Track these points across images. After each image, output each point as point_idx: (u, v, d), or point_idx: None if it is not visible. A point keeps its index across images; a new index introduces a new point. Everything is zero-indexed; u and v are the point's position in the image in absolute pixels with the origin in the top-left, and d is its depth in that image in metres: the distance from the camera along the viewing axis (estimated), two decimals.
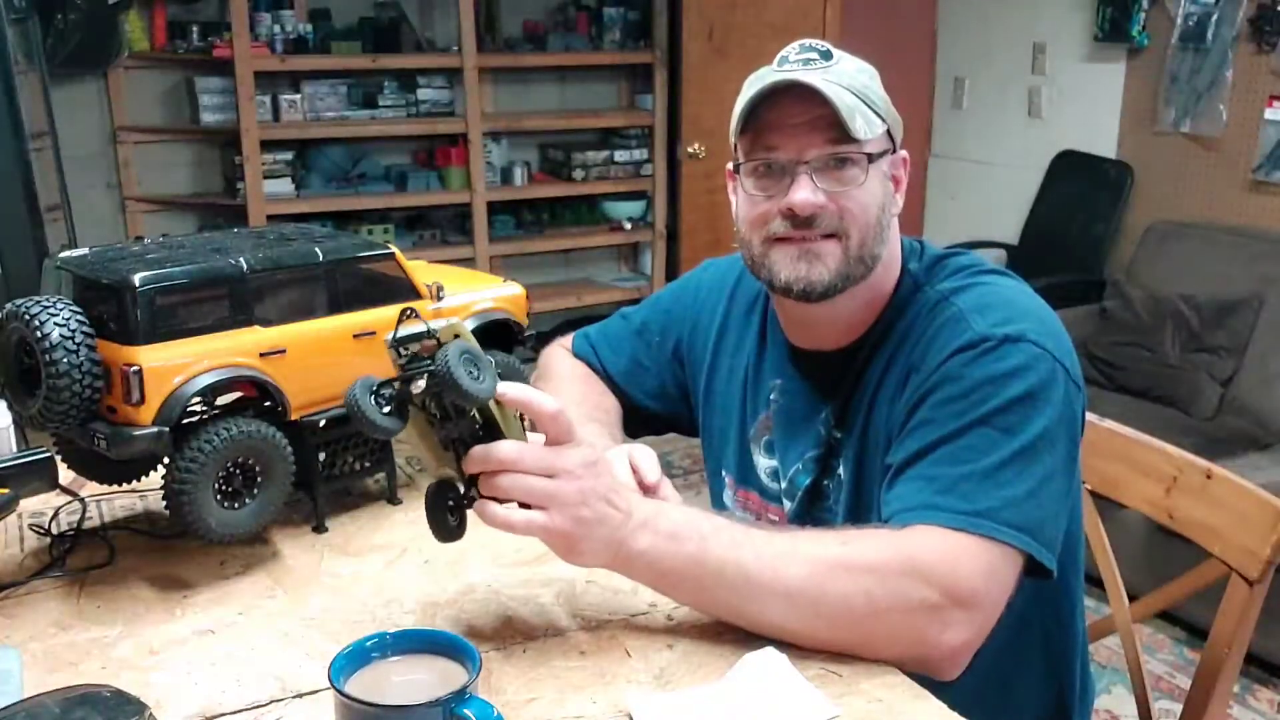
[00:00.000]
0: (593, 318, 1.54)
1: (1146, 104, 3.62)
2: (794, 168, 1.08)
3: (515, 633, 0.99)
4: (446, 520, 0.95)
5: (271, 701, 0.89)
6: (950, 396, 1.03)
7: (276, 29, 3.94)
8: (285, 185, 4.03)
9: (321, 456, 1.15)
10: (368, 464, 1.20)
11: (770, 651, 0.93)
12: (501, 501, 0.91)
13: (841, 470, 1.18)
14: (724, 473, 1.35)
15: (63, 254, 1.07)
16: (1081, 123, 3.86)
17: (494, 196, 4.37)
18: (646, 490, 1.10)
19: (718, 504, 1.38)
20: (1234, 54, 3.30)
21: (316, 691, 0.90)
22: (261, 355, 1.05)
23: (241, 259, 1.05)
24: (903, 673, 0.94)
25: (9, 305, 0.99)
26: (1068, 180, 3.89)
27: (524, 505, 0.91)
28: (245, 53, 3.79)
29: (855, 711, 0.88)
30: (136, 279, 0.98)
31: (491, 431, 0.92)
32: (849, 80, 1.08)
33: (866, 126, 1.07)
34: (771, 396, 1.26)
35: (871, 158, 1.08)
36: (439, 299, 1.19)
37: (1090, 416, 1.26)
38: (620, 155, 4.56)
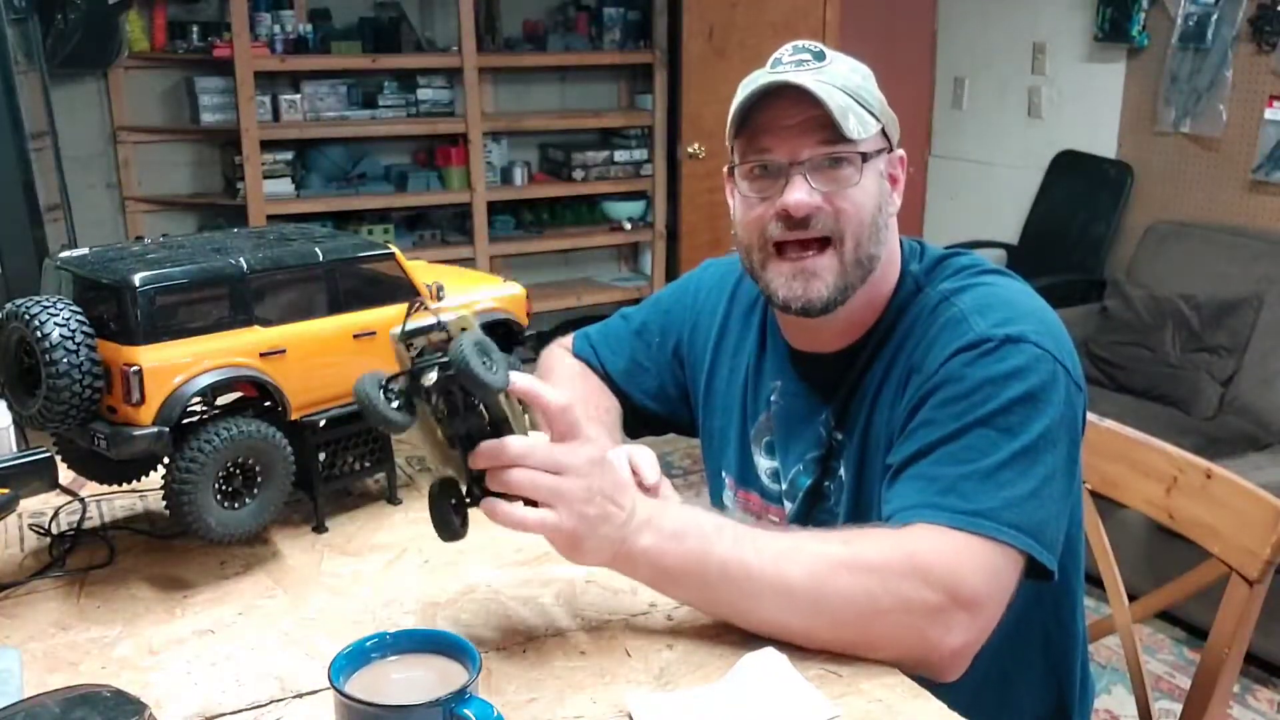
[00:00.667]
0: (593, 318, 1.54)
1: (1146, 104, 3.62)
2: (788, 169, 1.08)
3: (515, 633, 0.99)
4: (450, 519, 0.94)
5: (271, 701, 0.89)
6: (951, 397, 1.03)
7: (276, 29, 3.94)
8: (285, 185, 4.03)
9: (321, 456, 1.15)
10: (368, 464, 1.20)
11: (770, 652, 0.93)
12: (507, 499, 0.91)
13: (843, 471, 1.18)
14: (724, 473, 1.35)
15: (63, 254, 1.07)
16: (1081, 123, 3.86)
17: (494, 196, 4.37)
18: (645, 491, 1.10)
19: (717, 505, 1.38)
20: (1234, 54, 3.30)
21: (316, 691, 0.90)
22: (261, 355, 1.05)
23: (241, 259, 1.05)
24: (902, 673, 0.94)
25: (9, 305, 0.99)
26: (1068, 180, 3.89)
27: (528, 503, 0.91)
28: (245, 53, 3.79)
29: (855, 711, 0.88)
30: (136, 279, 0.98)
31: (499, 428, 0.91)
32: (842, 80, 1.08)
33: (860, 126, 1.06)
34: (772, 398, 1.26)
35: (866, 157, 1.08)
36: (439, 299, 1.19)
37: (1090, 416, 1.25)
38: (620, 155, 4.56)
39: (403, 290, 1.17)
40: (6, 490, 1.05)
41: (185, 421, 1.03)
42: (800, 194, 1.07)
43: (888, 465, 1.07)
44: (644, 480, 1.11)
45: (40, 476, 1.07)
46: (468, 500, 0.93)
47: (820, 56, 1.10)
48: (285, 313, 1.08)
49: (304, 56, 3.99)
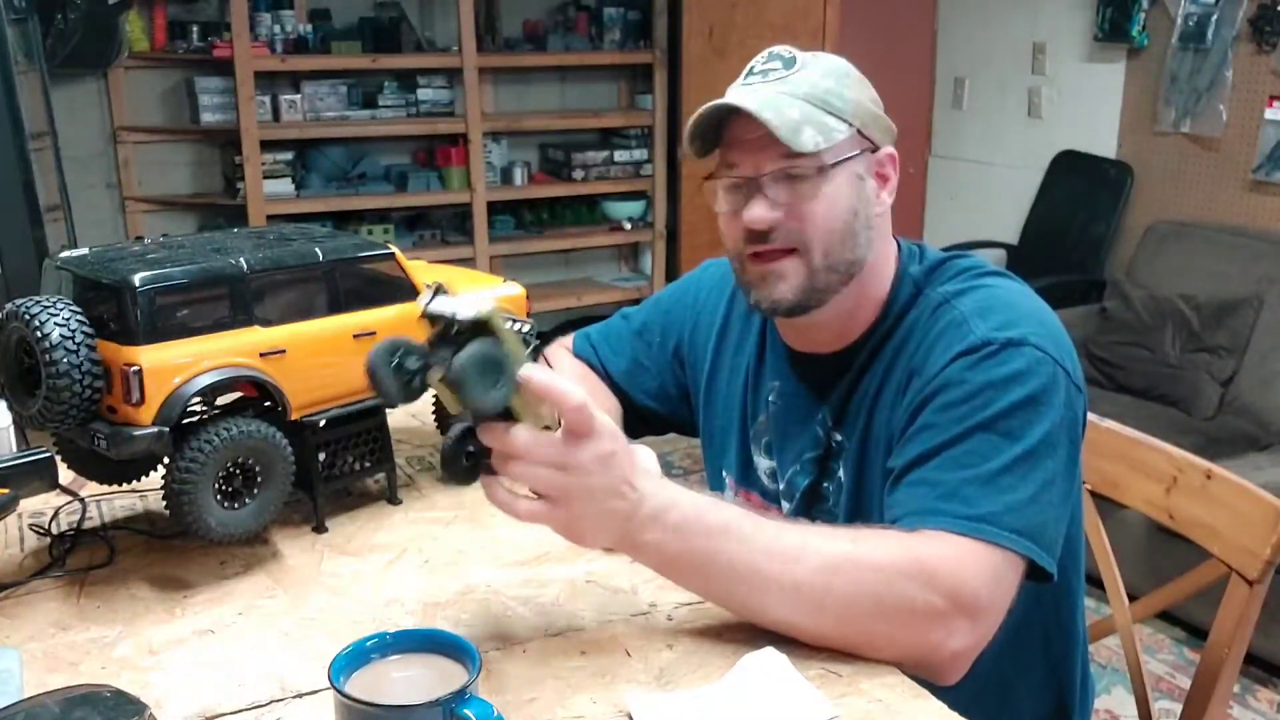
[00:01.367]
0: (593, 318, 1.54)
1: (1146, 104, 3.62)
2: (752, 183, 1.09)
3: (515, 633, 0.99)
4: (460, 462, 0.92)
5: (271, 701, 0.89)
6: (952, 401, 1.03)
7: (276, 29, 3.94)
8: (285, 185, 4.03)
9: (321, 456, 1.15)
10: (368, 464, 1.20)
11: (770, 652, 0.93)
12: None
13: (842, 473, 1.18)
14: (725, 473, 1.35)
15: (63, 254, 1.07)
16: (1081, 123, 3.86)
17: (494, 196, 4.37)
18: None
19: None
20: (1234, 54, 3.30)
21: (316, 691, 0.90)
22: (261, 355, 1.05)
23: (241, 259, 1.05)
24: (904, 673, 0.93)
25: (9, 305, 0.99)
26: (1068, 180, 3.89)
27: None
28: (245, 53, 3.79)
29: (855, 711, 0.88)
30: (136, 279, 0.98)
31: (509, 414, 0.90)
32: (808, 88, 1.08)
33: (819, 136, 1.06)
34: (770, 398, 1.26)
35: (827, 167, 1.08)
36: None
37: (1090, 416, 1.25)
38: (620, 155, 4.56)
39: (403, 290, 1.17)
40: (6, 490, 1.05)
41: (185, 421, 1.03)
42: (758, 210, 1.09)
43: (888, 469, 1.07)
44: None
45: (40, 476, 1.07)
46: (479, 459, 0.92)
47: (790, 64, 1.10)
48: (285, 313, 1.08)
49: (304, 56, 3.99)
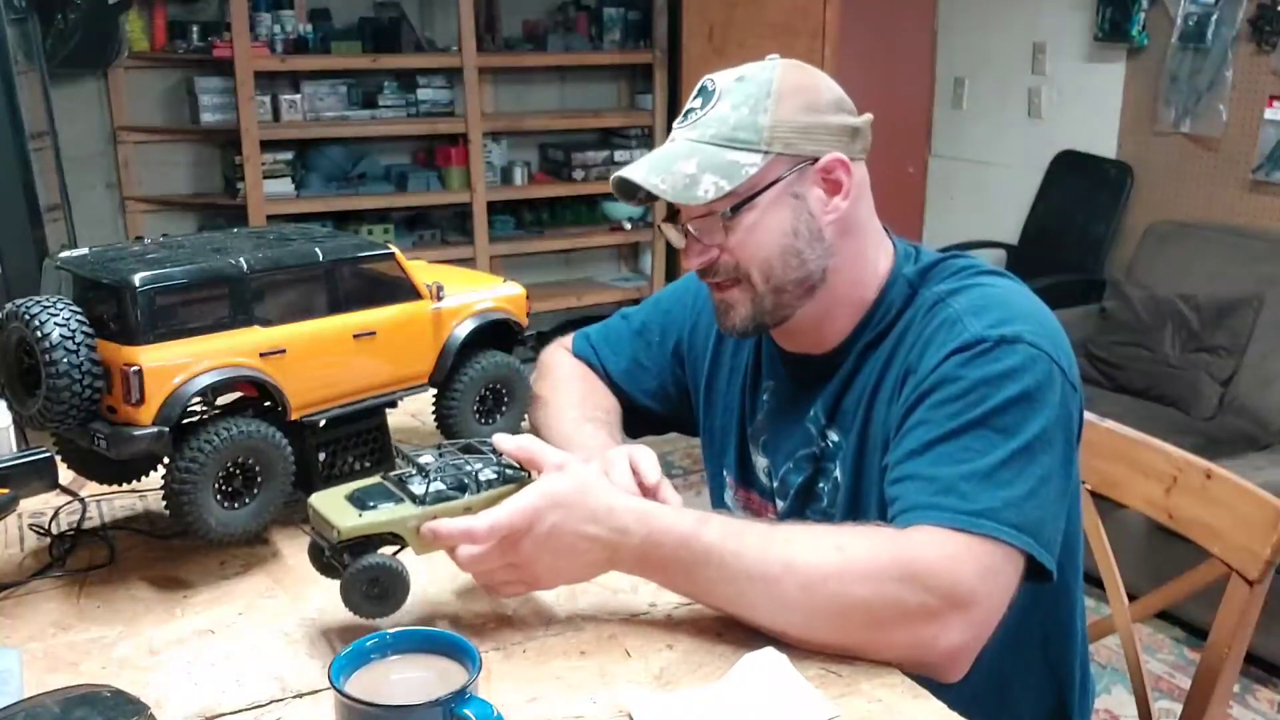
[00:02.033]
0: (593, 318, 1.54)
1: (1146, 104, 3.62)
2: (684, 227, 1.14)
3: (515, 633, 0.99)
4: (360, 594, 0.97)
5: (271, 701, 0.89)
6: (948, 397, 1.03)
7: (276, 29, 3.94)
8: (285, 185, 4.03)
9: (321, 456, 1.15)
10: (368, 464, 1.20)
11: (770, 652, 0.93)
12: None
13: (838, 473, 1.18)
14: (725, 472, 1.35)
15: (63, 254, 1.06)
16: (1081, 123, 3.86)
17: (494, 196, 4.37)
18: (646, 492, 1.10)
19: (718, 504, 1.38)
20: (1234, 54, 3.30)
21: (316, 691, 0.90)
22: (261, 355, 1.05)
23: (241, 259, 1.05)
24: (904, 673, 0.93)
25: (9, 305, 0.99)
26: (1068, 180, 3.89)
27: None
28: (245, 53, 3.79)
29: (855, 711, 0.88)
30: (136, 279, 0.98)
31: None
32: (715, 128, 1.09)
33: (721, 180, 1.07)
34: (764, 398, 1.27)
35: (742, 204, 1.09)
36: (439, 299, 1.19)
37: (1090, 416, 1.26)
38: (620, 155, 4.56)
39: (403, 290, 1.17)
40: (6, 490, 1.05)
41: (185, 421, 1.03)
42: (691, 257, 1.14)
43: (884, 465, 1.07)
44: (645, 481, 1.11)
45: (40, 476, 1.07)
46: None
47: (709, 98, 1.12)
48: (285, 313, 1.08)
49: (304, 56, 3.99)
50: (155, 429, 0.98)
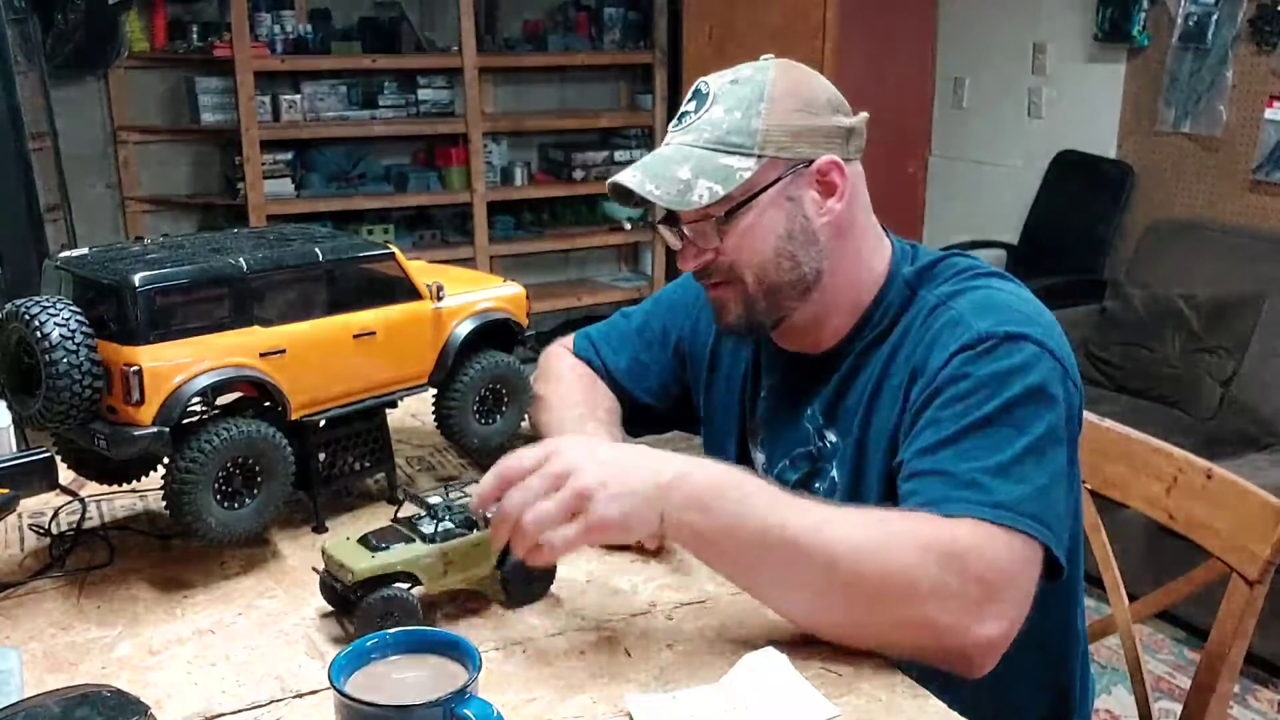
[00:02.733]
0: (593, 318, 1.55)
1: (1146, 104, 3.62)
2: (679, 229, 1.14)
3: (515, 633, 0.99)
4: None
5: (271, 701, 0.89)
6: (956, 395, 1.03)
7: (276, 29, 3.94)
8: (285, 185, 4.03)
9: (321, 456, 1.15)
10: (368, 464, 1.20)
11: (770, 651, 0.93)
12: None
13: (835, 474, 1.18)
14: None
15: (63, 254, 1.06)
16: (1081, 123, 3.86)
17: (494, 196, 4.37)
18: None
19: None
20: (1234, 54, 3.30)
21: (316, 691, 0.90)
22: (261, 355, 1.05)
23: (241, 259, 1.05)
24: (912, 670, 0.92)
25: (9, 305, 0.99)
26: (1068, 180, 3.89)
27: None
28: (245, 53, 3.79)
29: (855, 711, 0.88)
30: (136, 279, 0.98)
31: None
32: (709, 132, 1.09)
33: (715, 185, 1.07)
34: (762, 396, 1.27)
35: (736, 208, 1.09)
36: (439, 299, 1.19)
37: (1090, 416, 1.26)
38: (620, 155, 4.56)
39: (403, 290, 1.17)
40: (6, 490, 1.05)
41: (185, 421, 1.03)
42: (686, 260, 1.15)
43: (896, 463, 1.07)
44: None
45: (40, 476, 1.07)
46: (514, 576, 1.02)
47: (703, 101, 1.11)
48: (285, 313, 1.08)
49: (304, 57, 3.99)
50: (155, 429, 0.98)
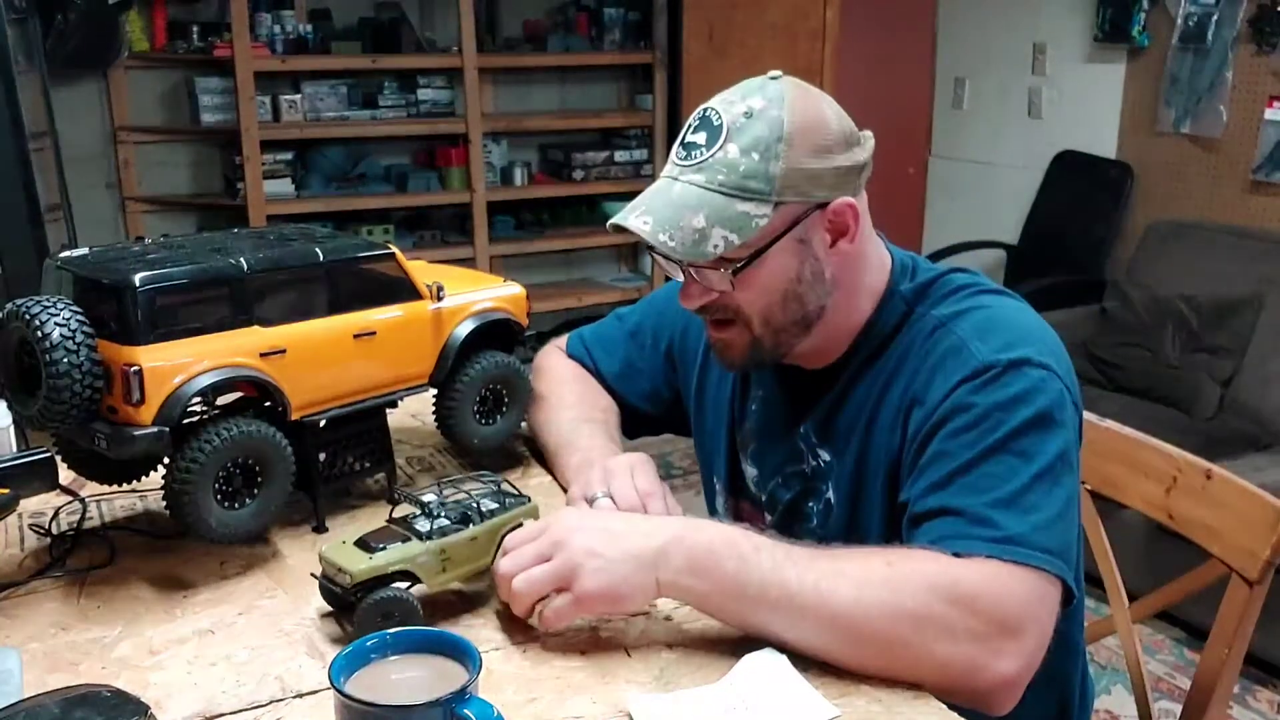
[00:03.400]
0: (592, 318, 1.54)
1: (1147, 104, 3.62)
2: (682, 268, 1.09)
3: (515, 633, 0.99)
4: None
5: (271, 701, 0.89)
6: (962, 426, 1.01)
7: (276, 29, 3.94)
8: (285, 185, 4.03)
9: (321, 456, 1.15)
10: (368, 464, 1.20)
11: (770, 652, 0.93)
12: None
13: (831, 494, 1.17)
14: (715, 479, 1.35)
15: (63, 254, 1.06)
16: (1081, 123, 3.86)
17: (494, 197, 4.37)
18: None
19: (712, 508, 1.38)
20: (1234, 55, 3.30)
21: (316, 691, 0.90)
22: (261, 355, 1.05)
23: (241, 259, 1.05)
24: (951, 706, 0.90)
25: (9, 305, 0.99)
26: (1068, 180, 3.89)
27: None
28: (245, 53, 3.79)
29: (855, 711, 0.88)
30: (136, 279, 0.98)
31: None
32: (724, 174, 1.03)
33: (731, 235, 1.03)
34: (753, 407, 1.26)
35: (746, 258, 1.06)
36: (439, 299, 1.19)
37: (1090, 416, 1.26)
38: (620, 155, 4.56)
39: (403, 290, 1.17)
40: (6, 490, 1.05)
41: (185, 421, 1.03)
42: (689, 299, 1.11)
43: (903, 501, 1.05)
44: (640, 491, 1.12)
45: (40, 476, 1.07)
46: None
47: (716, 135, 1.05)
48: (285, 313, 1.08)
49: (304, 57, 3.99)
50: (155, 429, 0.98)
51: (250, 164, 3.88)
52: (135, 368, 0.97)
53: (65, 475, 1.16)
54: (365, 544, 0.98)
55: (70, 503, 1.23)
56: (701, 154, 1.05)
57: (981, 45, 4.24)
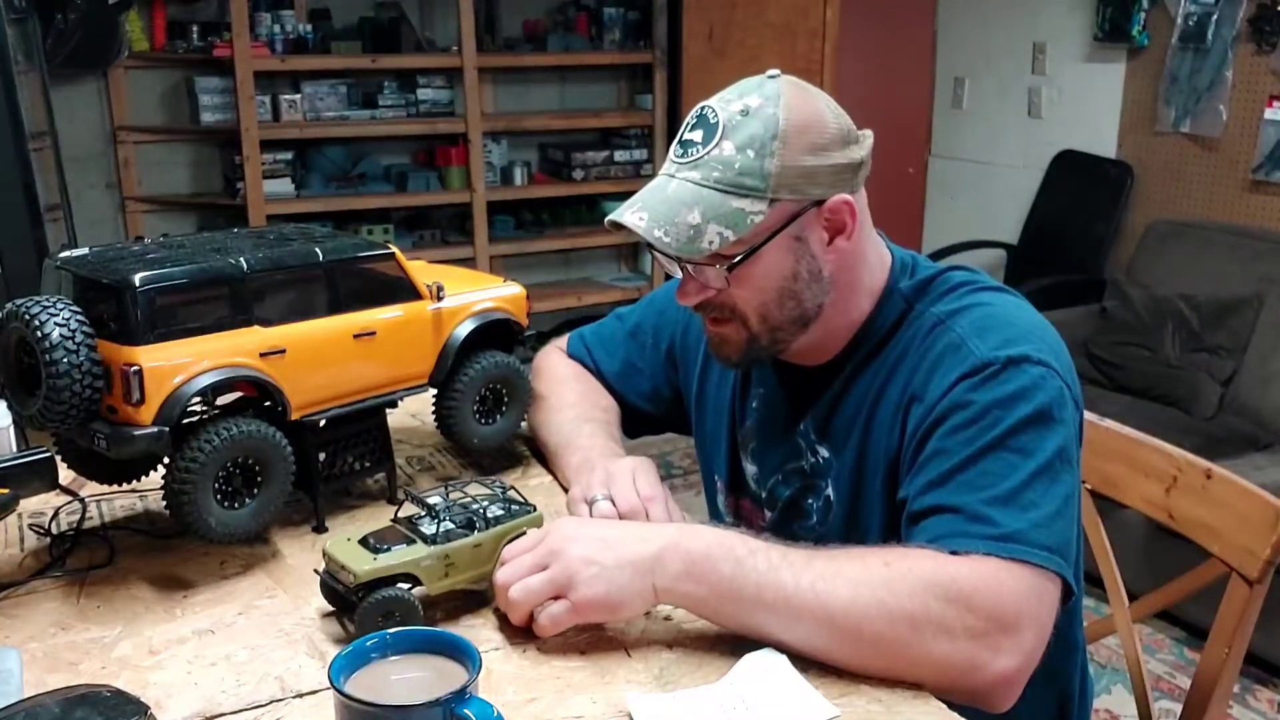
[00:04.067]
0: (592, 318, 1.54)
1: (1146, 104, 3.62)
2: (679, 262, 1.09)
3: (515, 633, 0.99)
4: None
5: (271, 701, 0.89)
6: (961, 423, 1.01)
7: (276, 29, 3.94)
8: (285, 185, 4.03)
9: (321, 456, 1.15)
10: (368, 464, 1.20)
11: (770, 652, 0.93)
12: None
13: (830, 491, 1.17)
14: (716, 477, 1.35)
15: (63, 254, 1.06)
16: (1081, 123, 3.86)
17: (494, 196, 4.37)
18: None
19: (712, 507, 1.38)
20: (1234, 54, 3.30)
21: (316, 691, 0.90)
22: (261, 355, 1.05)
23: (241, 259, 1.05)
24: (951, 705, 0.90)
25: (9, 305, 0.99)
26: (1068, 180, 3.89)
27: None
28: (245, 53, 3.79)
29: (855, 711, 0.88)
30: (136, 279, 0.98)
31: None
32: (719, 171, 1.04)
33: (726, 231, 1.03)
34: (753, 404, 1.26)
35: (743, 254, 1.06)
36: (439, 299, 1.19)
37: (1090, 416, 1.26)
38: (620, 155, 4.56)
39: (403, 290, 1.17)
40: (6, 490, 1.05)
41: (185, 421, 1.03)
42: (686, 296, 1.12)
43: (901, 498, 1.05)
44: (642, 494, 1.12)
45: (40, 476, 1.07)
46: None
47: (712, 133, 1.05)
48: (285, 313, 1.08)
49: (304, 56, 3.99)
50: (155, 429, 0.98)
51: (250, 164, 3.88)
52: (135, 368, 0.97)
53: (65, 475, 1.16)
54: (369, 543, 0.98)
55: (70, 503, 1.23)
56: (698, 151, 1.06)
57: (981, 45, 4.24)
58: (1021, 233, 4.04)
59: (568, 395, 1.36)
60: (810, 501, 1.20)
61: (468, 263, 4.13)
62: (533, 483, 1.31)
